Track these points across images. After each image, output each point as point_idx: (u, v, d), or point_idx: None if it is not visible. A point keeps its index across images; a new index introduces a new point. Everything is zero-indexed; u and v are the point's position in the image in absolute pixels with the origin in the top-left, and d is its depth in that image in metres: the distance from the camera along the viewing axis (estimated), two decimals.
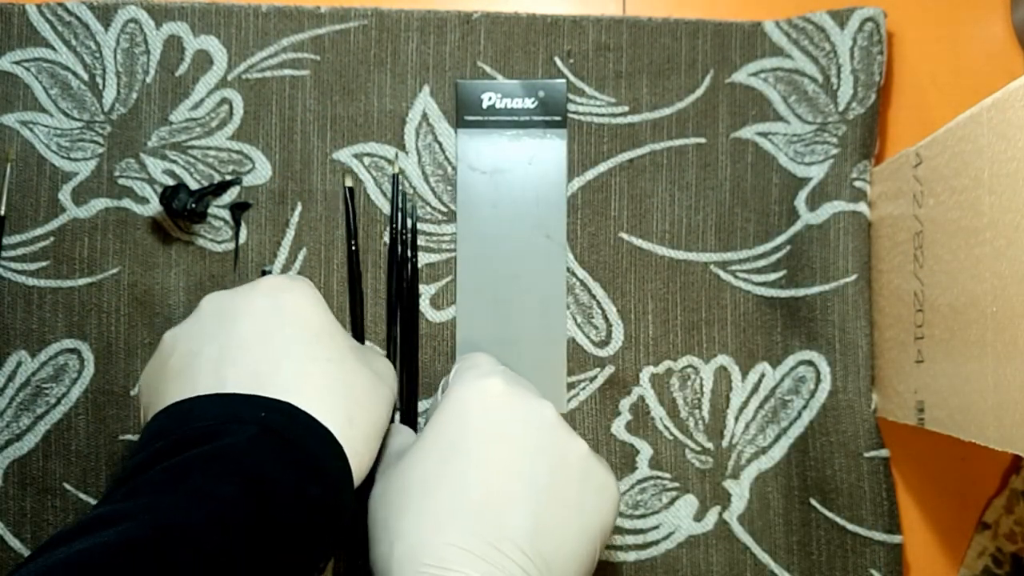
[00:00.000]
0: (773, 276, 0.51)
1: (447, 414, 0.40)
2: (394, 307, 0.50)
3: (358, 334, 0.50)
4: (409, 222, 0.50)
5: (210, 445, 0.34)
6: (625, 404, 0.50)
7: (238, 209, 0.50)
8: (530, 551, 0.36)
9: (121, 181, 0.49)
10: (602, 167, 0.51)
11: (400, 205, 0.50)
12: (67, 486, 0.49)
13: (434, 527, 0.37)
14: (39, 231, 0.49)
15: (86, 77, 0.50)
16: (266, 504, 0.34)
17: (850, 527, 0.49)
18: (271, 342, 0.39)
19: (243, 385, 0.37)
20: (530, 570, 0.36)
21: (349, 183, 0.50)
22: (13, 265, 0.49)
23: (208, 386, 0.37)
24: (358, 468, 0.38)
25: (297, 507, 0.35)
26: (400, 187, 0.50)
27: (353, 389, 0.39)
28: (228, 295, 0.41)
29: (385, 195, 0.50)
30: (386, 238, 0.50)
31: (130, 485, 0.34)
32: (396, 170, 0.50)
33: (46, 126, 0.49)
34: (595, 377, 0.50)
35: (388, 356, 0.49)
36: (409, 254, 0.50)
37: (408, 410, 0.49)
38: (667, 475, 0.50)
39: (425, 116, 0.50)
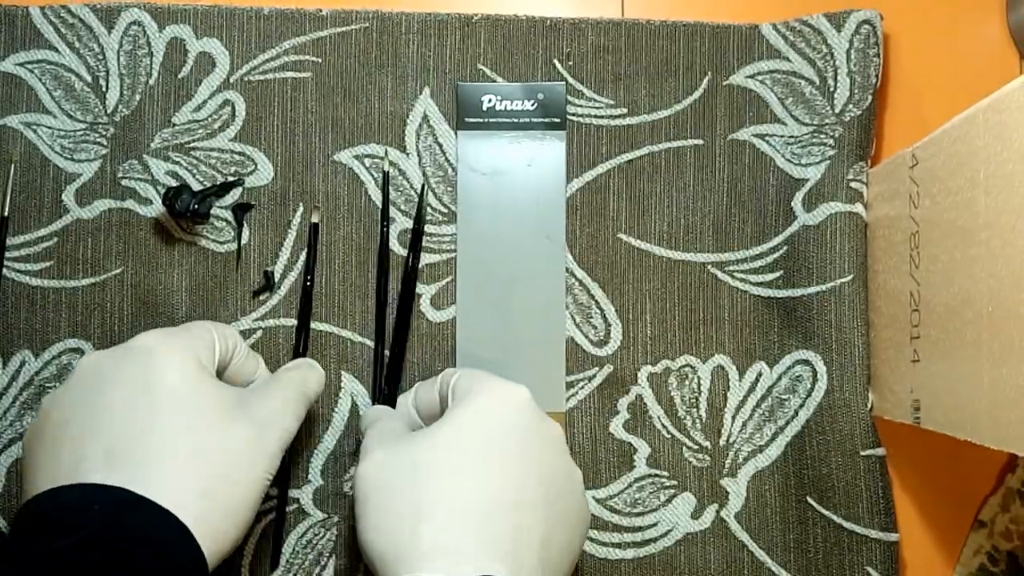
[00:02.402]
0: (770, 276, 0.51)
1: (484, 408, 0.41)
2: (383, 301, 0.50)
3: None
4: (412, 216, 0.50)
5: (53, 545, 0.34)
6: (623, 403, 0.51)
7: (240, 210, 0.50)
8: (541, 557, 0.38)
9: (124, 182, 0.50)
10: (601, 168, 0.51)
11: (396, 201, 0.50)
12: None
13: (466, 516, 0.37)
14: (43, 232, 0.49)
15: (89, 79, 0.50)
16: None
17: (847, 525, 0.49)
18: (131, 414, 0.38)
19: (97, 464, 0.37)
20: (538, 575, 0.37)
21: (316, 219, 0.50)
22: (17, 265, 0.49)
23: (67, 464, 0.37)
24: (214, 543, 0.37)
25: None
26: (412, 187, 0.50)
27: (212, 459, 0.38)
28: (103, 357, 0.41)
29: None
30: (392, 238, 0.50)
31: None
32: (387, 167, 0.50)
33: (49, 127, 0.50)
34: (593, 376, 0.51)
35: (376, 347, 0.49)
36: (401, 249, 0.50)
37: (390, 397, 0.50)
38: (665, 473, 0.50)
39: (426, 118, 0.51)
